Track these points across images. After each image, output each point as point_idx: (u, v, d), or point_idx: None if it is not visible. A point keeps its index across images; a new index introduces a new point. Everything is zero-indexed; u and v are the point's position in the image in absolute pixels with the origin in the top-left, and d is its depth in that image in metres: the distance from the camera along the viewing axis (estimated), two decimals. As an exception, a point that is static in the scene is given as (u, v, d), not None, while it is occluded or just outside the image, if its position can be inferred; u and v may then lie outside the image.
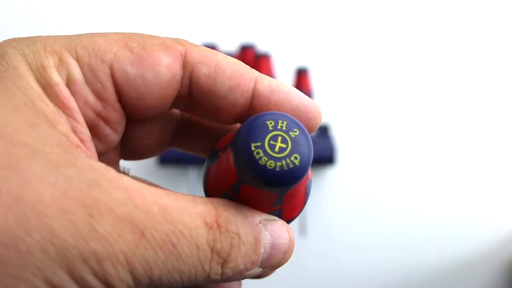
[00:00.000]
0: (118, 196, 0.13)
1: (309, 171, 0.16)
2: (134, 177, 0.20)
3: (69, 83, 0.15)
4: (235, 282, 0.20)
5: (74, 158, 0.13)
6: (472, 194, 0.86)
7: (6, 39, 0.15)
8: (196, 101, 0.17)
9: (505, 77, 0.83)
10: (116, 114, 0.16)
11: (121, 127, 0.17)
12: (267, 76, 0.17)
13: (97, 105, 0.15)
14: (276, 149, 0.14)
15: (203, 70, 0.16)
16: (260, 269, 0.16)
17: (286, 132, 0.14)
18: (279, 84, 0.17)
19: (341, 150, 0.82)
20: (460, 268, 0.89)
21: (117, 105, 0.16)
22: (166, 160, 0.75)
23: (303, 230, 0.85)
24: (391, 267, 0.89)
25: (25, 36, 0.15)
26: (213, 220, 0.14)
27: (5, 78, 0.13)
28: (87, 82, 0.15)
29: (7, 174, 0.12)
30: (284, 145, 0.14)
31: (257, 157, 0.14)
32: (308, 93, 0.73)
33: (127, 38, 0.15)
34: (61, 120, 0.14)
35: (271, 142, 0.14)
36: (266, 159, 0.14)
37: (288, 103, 0.17)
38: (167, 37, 0.16)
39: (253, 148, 0.14)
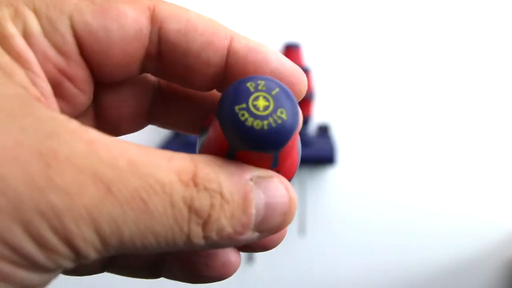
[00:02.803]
0: (79, 148, 0.12)
1: (297, 133, 0.16)
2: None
3: (26, 36, 0.13)
4: (232, 253, 0.18)
5: (32, 109, 0.12)
6: (472, 195, 0.86)
7: None
8: (167, 61, 0.16)
9: (506, 77, 0.83)
10: (81, 71, 0.15)
11: (88, 87, 0.16)
12: (245, 36, 0.16)
13: (59, 60, 0.14)
14: (261, 108, 0.13)
15: (172, 25, 0.15)
16: (257, 234, 0.14)
17: (267, 91, 0.14)
18: (258, 44, 0.16)
19: (341, 150, 0.82)
20: (460, 268, 0.89)
21: (80, 60, 0.15)
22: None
23: (302, 230, 0.85)
24: (391, 267, 0.89)
25: None
26: (189, 177, 0.13)
27: None
28: (46, 34, 0.14)
29: None
30: (267, 103, 0.13)
31: (242, 119, 0.13)
32: (309, 93, 0.73)
33: None
34: (18, 71, 0.13)
35: (254, 102, 0.13)
36: (252, 119, 0.13)
37: (266, 64, 0.15)
38: None
39: (237, 111, 0.13)
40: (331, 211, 0.87)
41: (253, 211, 0.14)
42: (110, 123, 0.18)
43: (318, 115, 0.83)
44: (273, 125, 0.13)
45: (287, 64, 0.16)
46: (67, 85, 0.15)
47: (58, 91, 0.15)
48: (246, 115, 0.13)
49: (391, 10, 0.81)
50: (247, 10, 0.80)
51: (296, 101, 0.14)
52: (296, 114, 0.14)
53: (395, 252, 0.89)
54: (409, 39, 0.82)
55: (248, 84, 0.14)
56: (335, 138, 0.82)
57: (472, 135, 0.84)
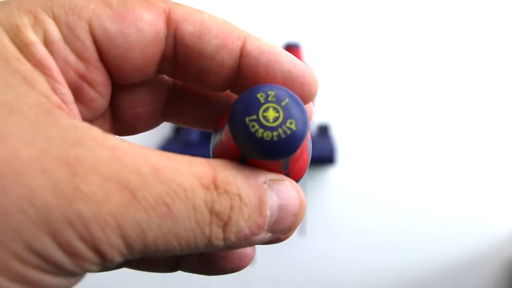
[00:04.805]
0: (104, 155, 0.12)
1: (308, 133, 0.16)
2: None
3: (47, 43, 0.14)
4: (248, 248, 0.18)
5: (54, 118, 0.12)
6: (472, 195, 0.86)
7: None
8: (182, 63, 0.16)
9: (505, 77, 0.83)
10: (100, 75, 0.15)
11: (107, 91, 0.16)
12: (258, 37, 0.16)
13: (79, 65, 0.15)
14: (270, 119, 0.14)
15: (188, 28, 0.15)
16: (270, 234, 0.15)
17: (276, 102, 0.14)
18: (270, 45, 0.16)
19: (341, 150, 0.82)
20: (460, 268, 0.89)
21: (99, 65, 0.15)
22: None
23: (302, 230, 0.85)
24: (390, 267, 0.89)
25: None
26: (209, 181, 0.13)
27: None
28: (66, 40, 0.14)
29: None
30: (276, 114, 0.14)
31: (252, 130, 0.14)
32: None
33: None
34: (39, 79, 0.13)
35: (264, 114, 0.14)
36: (262, 131, 0.14)
37: (278, 65, 0.16)
38: None
39: (247, 122, 0.14)
40: (331, 211, 0.87)
41: (268, 212, 0.14)
42: (127, 123, 0.19)
43: (318, 115, 0.83)
44: (283, 136, 0.14)
45: (299, 66, 0.16)
46: (87, 89, 0.15)
47: (78, 95, 0.15)
48: (257, 126, 0.14)
49: (391, 10, 0.81)
50: (248, 10, 0.80)
51: (306, 109, 0.14)
52: (305, 123, 0.14)
53: (395, 252, 0.89)
54: (409, 39, 0.82)
55: (259, 95, 0.14)
56: (335, 138, 0.82)
57: (472, 135, 0.84)
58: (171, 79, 0.19)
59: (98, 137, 0.12)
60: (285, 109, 0.14)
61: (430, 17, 0.81)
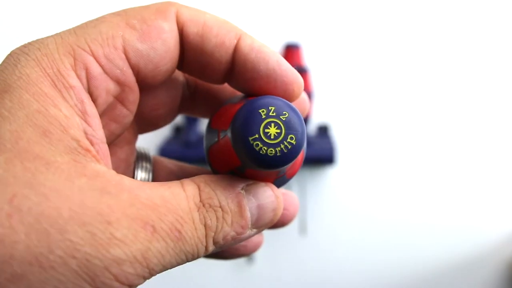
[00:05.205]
0: (126, 198, 0.14)
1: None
2: (155, 157, 0.22)
3: (90, 79, 0.15)
4: (256, 236, 0.20)
5: (82, 166, 0.14)
6: (473, 194, 0.86)
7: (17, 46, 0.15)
8: (187, 58, 0.18)
9: (503, 81, 0.83)
10: (132, 95, 0.17)
11: (135, 107, 0.18)
12: (253, 37, 0.17)
13: (117, 89, 0.16)
14: (272, 136, 0.15)
15: (192, 29, 0.17)
16: (255, 230, 0.17)
17: (277, 117, 0.15)
18: (261, 45, 0.17)
19: (341, 150, 0.82)
20: (460, 268, 0.89)
21: (134, 85, 0.17)
22: (166, 160, 0.75)
23: (303, 230, 0.86)
24: (391, 267, 0.89)
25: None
26: (198, 200, 0.15)
27: (17, 88, 0.14)
28: (106, 72, 0.15)
29: (27, 192, 0.12)
30: (278, 130, 0.15)
31: (257, 149, 0.14)
32: (308, 93, 0.73)
33: (125, 17, 0.16)
34: (74, 123, 0.14)
35: (266, 130, 0.15)
36: (265, 148, 0.14)
37: (265, 63, 0.17)
38: (156, 3, 0.17)
39: (251, 142, 0.14)
40: (331, 211, 0.87)
41: (248, 214, 0.16)
42: (149, 123, 0.21)
43: (318, 115, 0.83)
44: (285, 150, 0.15)
45: (284, 66, 0.17)
46: (119, 109, 0.17)
47: (112, 115, 0.17)
48: (260, 145, 0.15)
49: (390, 11, 0.81)
50: (248, 10, 0.80)
51: (303, 119, 0.15)
52: (303, 133, 0.15)
53: (395, 252, 0.89)
54: (409, 40, 0.82)
55: (260, 111, 0.15)
56: (335, 138, 0.82)
57: (472, 135, 0.84)
58: (184, 78, 0.21)
59: (117, 182, 0.14)
60: (286, 124, 0.15)
61: (430, 18, 0.81)
